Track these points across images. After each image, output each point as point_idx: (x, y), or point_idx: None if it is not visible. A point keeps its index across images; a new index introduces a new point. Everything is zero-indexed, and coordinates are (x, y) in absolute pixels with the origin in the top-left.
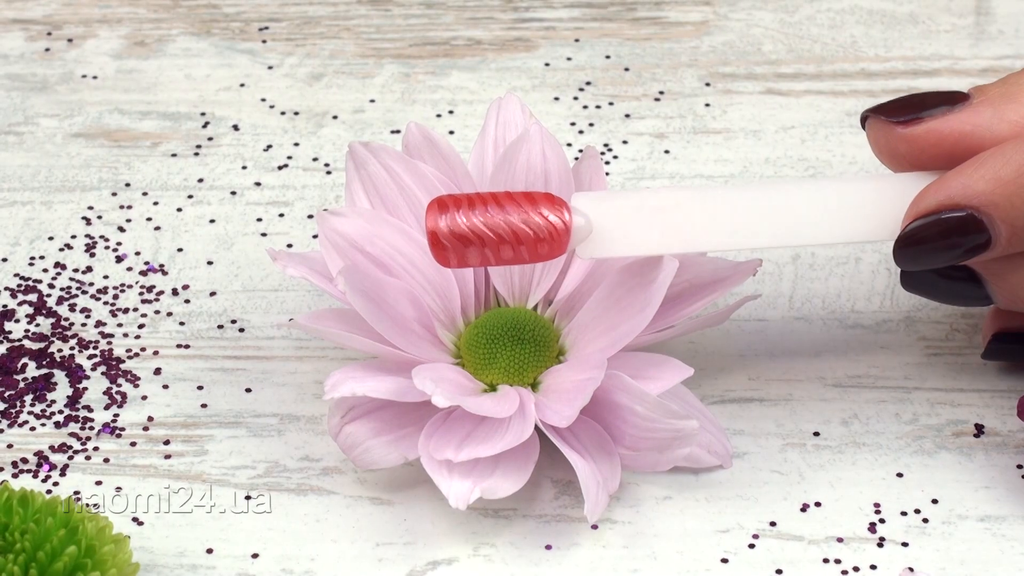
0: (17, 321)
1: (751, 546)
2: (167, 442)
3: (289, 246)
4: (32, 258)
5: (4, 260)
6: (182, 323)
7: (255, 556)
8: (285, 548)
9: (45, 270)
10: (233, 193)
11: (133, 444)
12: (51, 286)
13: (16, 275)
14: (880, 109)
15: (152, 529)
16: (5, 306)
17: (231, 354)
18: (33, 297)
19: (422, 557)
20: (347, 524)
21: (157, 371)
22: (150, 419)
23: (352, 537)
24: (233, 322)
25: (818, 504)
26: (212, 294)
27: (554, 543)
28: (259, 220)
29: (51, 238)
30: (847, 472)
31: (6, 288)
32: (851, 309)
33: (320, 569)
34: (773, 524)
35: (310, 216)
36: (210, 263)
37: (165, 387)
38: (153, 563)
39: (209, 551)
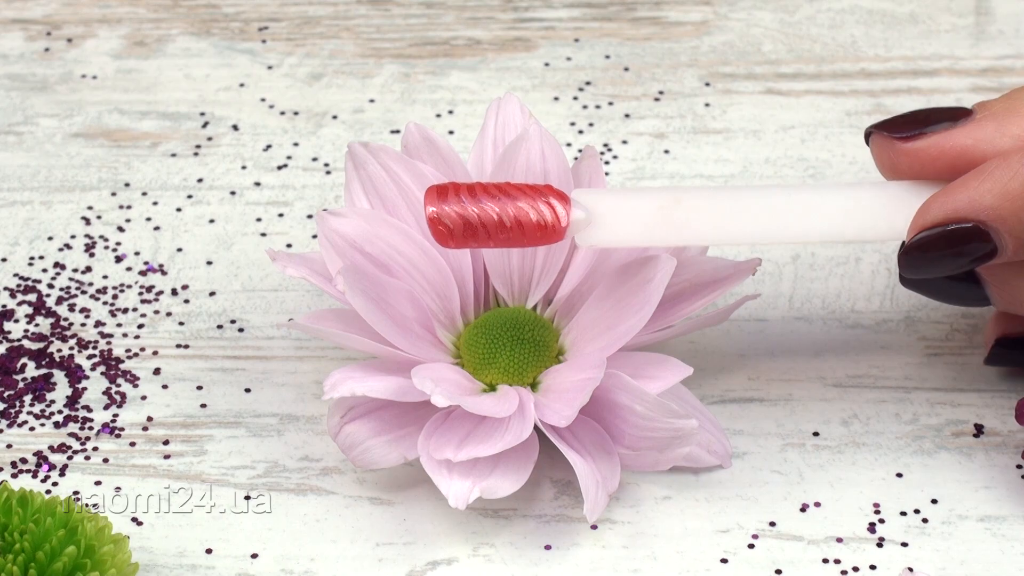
0: (16, 321)
1: (751, 546)
2: (167, 442)
3: (289, 246)
4: (31, 258)
5: (3, 260)
6: (181, 323)
7: (255, 556)
8: (285, 548)
9: (44, 270)
10: (233, 193)
11: (132, 444)
12: (50, 286)
13: (15, 275)
14: (883, 125)
15: (152, 529)
16: (4, 306)
17: (231, 354)
18: (32, 297)
19: (422, 557)
20: (347, 524)
21: (156, 371)
22: (149, 419)
23: (352, 537)
24: (232, 322)
25: (818, 504)
26: (212, 294)
27: (554, 543)
28: (259, 220)
29: (51, 238)
30: (847, 472)
31: (5, 288)
32: (851, 309)
33: (320, 569)
34: (773, 524)
35: (310, 216)
36: (209, 263)
37: (164, 387)
38: (153, 563)
39: (209, 551)
